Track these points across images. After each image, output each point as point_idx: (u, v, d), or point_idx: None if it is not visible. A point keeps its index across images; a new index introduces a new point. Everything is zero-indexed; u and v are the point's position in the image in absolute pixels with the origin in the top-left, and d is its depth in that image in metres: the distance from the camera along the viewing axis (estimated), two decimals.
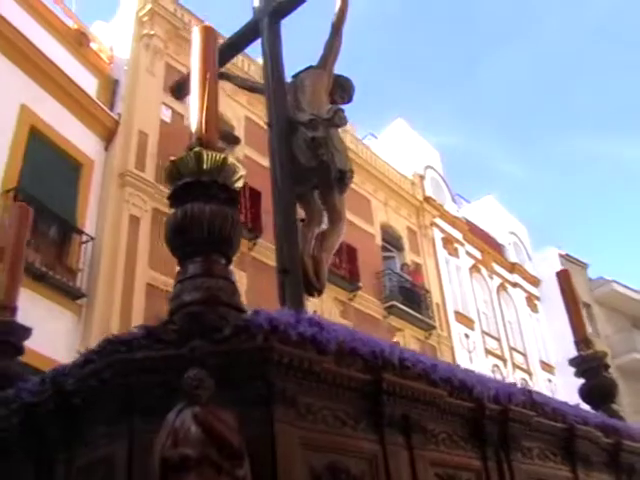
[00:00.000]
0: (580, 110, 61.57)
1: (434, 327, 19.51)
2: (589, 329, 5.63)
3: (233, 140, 15.62)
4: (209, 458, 2.12)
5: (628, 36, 56.92)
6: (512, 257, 26.65)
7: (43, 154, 12.23)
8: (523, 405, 3.74)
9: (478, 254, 24.48)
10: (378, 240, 19.83)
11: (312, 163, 4.44)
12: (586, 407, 4.89)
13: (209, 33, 3.37)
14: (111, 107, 14.10)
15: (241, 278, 12.81)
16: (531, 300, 26.36)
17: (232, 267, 3.00)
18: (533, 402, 3.86)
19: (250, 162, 14.31)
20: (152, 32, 15.03)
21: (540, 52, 58.83)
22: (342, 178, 4.54)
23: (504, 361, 22.71)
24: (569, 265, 24.96)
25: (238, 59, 15.55)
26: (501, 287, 25.03)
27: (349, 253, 16.78)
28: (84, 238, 12.36)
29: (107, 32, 15.80)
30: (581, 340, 5.41)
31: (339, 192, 4.61)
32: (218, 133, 3.18)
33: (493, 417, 3.54)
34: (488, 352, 22.07)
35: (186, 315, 2.67)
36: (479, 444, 3.50)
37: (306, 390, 2.68)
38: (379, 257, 19.58)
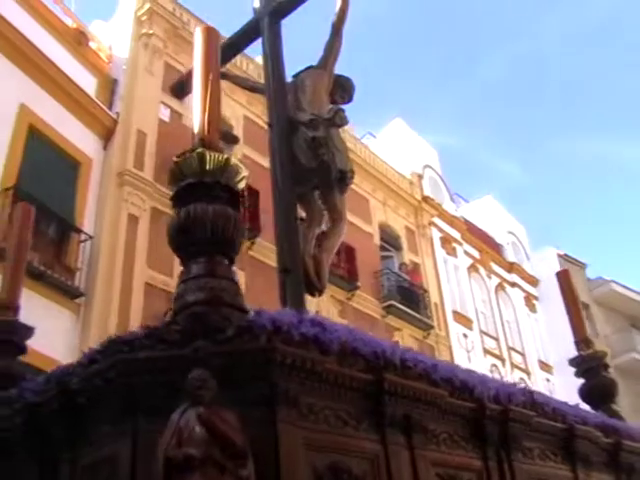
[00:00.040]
0: (579, 110, 61.67)
1: (432, 327, 19.54)
2: (588, 329, 5.63)
3: (232, 139, 15.54)
4: (213, 458, 2.14)
5: (628, 36, 57.03)
6: (510, 257, 26.68)
7: (42, 153, 12.23)
8: (523, 405, 3.74)
9: (476, 254, 24.51)
10: (376, 239, 19.85)
11: (313, 163, 4.46)
12: (586, 407, 4.90)
13: (211, 34, 3.37)
14: (110, 106, 14.10)
15: (239, 277, 12.77)
16: (529, 300, 26.39)
17: None
18: (533, 402, 3.87)
19: (248, 161, 14.32)
20: (151, 31, 15.03)
21: (539, 52, 58.90)
22: (343, 178, 4.55)
23: (502, 361, 22.74)
24: (568, 265, 24.97)
25: (236, 58, 15.54)
26: (499, 287, 25.06)
27: (347, 252, 16.80)
28: (82, 237, 12.37)
29: (106, 31, 15.79)
30: (581, 340, 5.42)
31: (340, 192, 4.62)
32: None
33: (494, 417, 3.54)
34: (486, 352, 22.10)
35: (189, 315, 2.68)
36: (480, 444, 3.50)
37: (308, 390, 2.69)
38: (377, 256, 19.60)
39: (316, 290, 4.36)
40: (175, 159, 3.00)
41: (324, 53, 4.91)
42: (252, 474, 2.23)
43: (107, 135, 13.69)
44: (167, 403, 2.36)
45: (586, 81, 59.94)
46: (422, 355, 3.46)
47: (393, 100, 56.69)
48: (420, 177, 23.17)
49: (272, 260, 13.06)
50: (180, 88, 5.55)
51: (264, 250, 13.15)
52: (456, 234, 23.64)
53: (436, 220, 22.79)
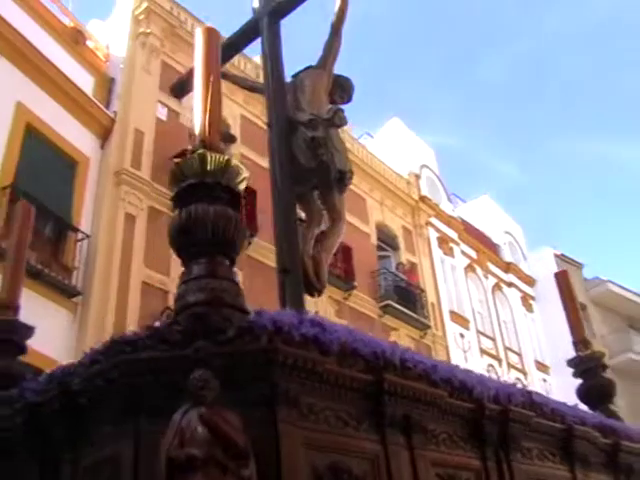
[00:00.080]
0: (576, 110, 61.78)
1: (429, 326, 19.56)
2: (585, 330, 5.67)
3: (229, 139, 15.55)
4: (215, 458, 2.14)
5: (627, 37, 57.13)
6: (507, 257, 26.73)
7: (39, 152, 12.22)
8: (522, 405, 3.75)
9: (473, 254, 24.54)
10: (373, 239, 19.87)
11: (312, 163, 4.46)
12: (584, 407, 4.91)
13: (212, 35, 3.37)
14: (107, 105, 14.10)
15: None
16: (526, 300, 26.43)
17: None
18: (532, 402, 3.87)
19: (246, 161, 14.31)
20: (148, 30, 15.02)
21: (537, 52, 59.00)
22: (342, 178, 4.56)
23: (499, 361, 22.78)
24: (564, 265, 25.03)
25: (234, 57, 15.55)
26: (496, 287, 25.10)
27: (344, 252, 16.81)
28: (80, 236, 12.37)
29: (103, 30, 15.78)
30: (579, 341, 5.44)
31: (339, 192, 4.62)
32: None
33: (493, 417, 3.55)
34: (483, 352, 22.14)
35: (191, 316, 2.69)
36: (479, 444, 3.51)
37: (309, 391, 2.69)
38: (374, 256, 19.61)
39: (315, 290, 4.36)
40: (176, 160, 3.00)
41: (323, 53, 4.91)
42: (254, 474, 2.24)
43: (104, 134, 13.69)
44: (169, 403, 2.36)
45: (584, 81, 60.11)
46: (422, 355, 3.47)
47: (391, 100, 56.77)
48: (417, 177, 23.19)
49: (269, 260, 13.14)
50: (179, 88, 5.55)
51: (261, 250, 13.15)
52: (453, 234, 23.67)
53: (433, 220, 22.81)
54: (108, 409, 2.64)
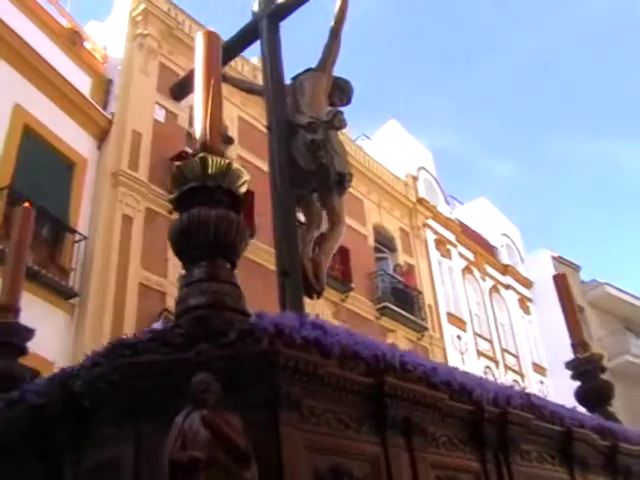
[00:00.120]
0: (573, 111, 61.90)
1: (426, 328, 19.56)
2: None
3: (227, 140, 15.62)
4: (217, 460, 2.15)
5: (624, 37, 57.29)
6: (505, 259, 26.75)
7: (36, 153, 12.21)
8: (521, 408, 3.77)
9: (471, 256, 24.56)
10: (371, 241, 19.87)
11: (311, 166, 4.46)
12: (582, 410, 4.93)
13: (212, 39, 3.38)
14: (104, 106, 14.08)
15: None
16: (523, 302, 26.46)
17: None
18: (531, 405, 3.89)
19: (243, 162, 14.30)
20: (146, 32, 15.01)
21: (534, 53, 59.13)
22: (341, 181, 4.56)
23: (496, 363, 22.80)
24: (562, 267, 25.08)
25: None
26: (493, 289, 25.12)
27: (342, 254, 16.80)
28: (77, 237, 12.35)
29: (101, 32, 15.77)
30: (578, 343, 5.46)
31: (338, 195, 4.63)
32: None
33: (492, 420, 3.57)
34: (480, 354, 22.15)
35: (192, 319, 2.70)
36: (478, 447, 3.53)
37: (310, 393, 2.70)
38: (372, 258, 19.61)
39: (315, 292, 4.37)
40: (177, 164, 3.01)
41: (323, 55, 4.91)
42: (256, 476, 2.25)
43: (102, 135, 13.68)
44: (170, 406, 2.37)
45: (583, 81, 60.21)
46: (422, 358, 3.48)
47: (388, 102, 56.80)
48: (415, 179, 23.21)
49: (267, 261, 13.13)
50: (179, 90, 5.56)
51: (259, 251, 13.14)
52: (450, 236, 23.69)
53: (430, 222, 22.82)
54: (110, 411, 2.65)
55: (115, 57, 14.88)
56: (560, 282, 5.80)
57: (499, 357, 23.20)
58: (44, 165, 12.32)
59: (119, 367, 2.52)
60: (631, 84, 58.70)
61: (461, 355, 20.69)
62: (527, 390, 4.28)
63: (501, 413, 3.59)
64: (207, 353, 2.50)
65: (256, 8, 5.04)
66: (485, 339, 22.94)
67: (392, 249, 20.95)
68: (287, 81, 4.93)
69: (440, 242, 22.92)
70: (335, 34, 4.92)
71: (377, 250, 20.29)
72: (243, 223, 3.02)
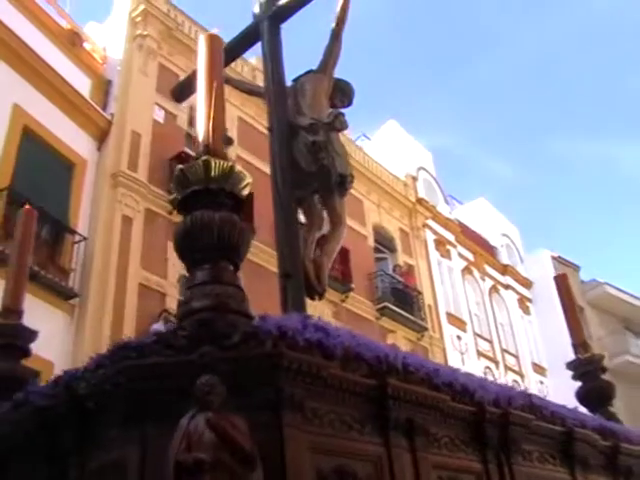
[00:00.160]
0: (573, 112, 61.92)
1: (426, 329, 19.56)
2: None
3: (226, 141, 15.58)
4: (223, 462, 2.17)
5: (624, 37, 57.32)
6: (504, 259, 26.75)
7: (36, 154, 12.21)
8: (523, 409, 3.79)
9: (470, 256, 24.56)
10: (370, 241, 19.87)
11: (313, 167, 4.48)
12: (583, 410, 4.94)
13: (215, 42, 3.39)
14: (104, 107, 14.09)
15: None
16: (523, 302, 26.46)
17: None
18: (533, 405, 3.91)
19: (243, 163, 14.31)
20: (145, 32, 15.01)
21: (534, 53, 59.16)
22: (342, 182, 4.58)
23: (496, 363, 22.80)
24: (561, 267, 25.10)
25: None
26: (493, 289, 25.13)
27: (341, 254, 16.80)
28: (77, 238, 12.35)
29: (100, 32, 15.77)
30: (579, 344, 5.48)
31: (339, 196, 4.64)
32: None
33: (494, 421, 3.59)
34: (480, 354, 22.16)
35: (196, 322, 2.71)
36: (480, 447, 3.55)
37: (313, 395, 2.72)
38: (371, 258, 19.61)
39: (317, 294, 4.39)
40: (180, 167, 3.02)
41: (324, 57, 4.93)
42: (261, 478, 2.26)
43: (101, 136, 13.68)
44: (174, 408, 2.38)
45: (583, 82, 60.22)
46: (424, 359, 3.49)
47: (387, 102, 56.80)
48: (414, 179, 23.21)
49: (265, 261, 13.09)
50: (180, 91, 5.56)
51: (257, 251, 13.15)
52: (450, 236, 23.69)
53: (430, 222, 22.83)
54: (114, 413, 2.66)
55: (114, 58, 14.88)
56: (561, 283, 5.82)
57: (499, 357, 23.20)
58: (44, 166, 12.32)
59: (123, 369, 2.54)
60: (631, 85, 58.75)
61: (461, 355, 20.69)
62: (528, 390, 4.29)
63: (503, 414, 3.60)
64: (211, 355, 2.51)
65: (257, 10, 5.05)
66: (485, 339, 22.95)
67: (392, 249, 20.95)
68: (288, 83, 4.94)
69: (440, 242, 22.92)
70: (336, 36, 4.93)
71: (377, 250, 20.29)
72: (246, 226, 3.03)
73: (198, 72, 3.35)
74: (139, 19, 15.09)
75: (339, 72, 5.11)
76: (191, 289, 2.88)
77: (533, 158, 63.85)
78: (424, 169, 24.40)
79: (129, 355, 2.57)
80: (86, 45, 14.82)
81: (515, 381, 20.93)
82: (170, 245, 12.82)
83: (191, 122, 14.78)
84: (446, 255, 23.01)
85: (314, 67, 4.98)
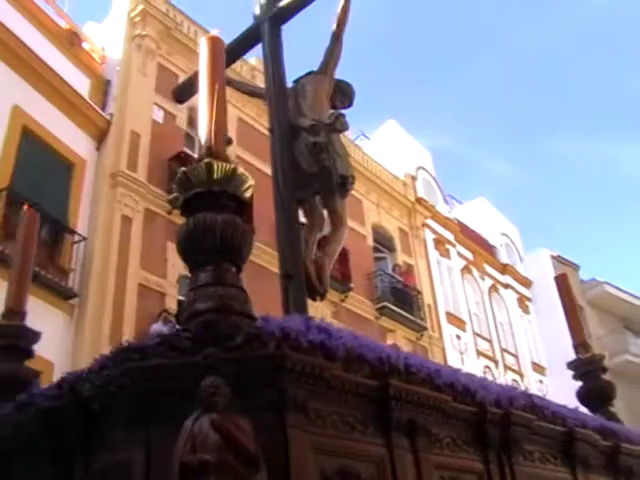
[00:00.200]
0: (573, 112, 61.94)
1: (425, 328, 19.58)
2: None
3: (226, 141, 15.62)
4: (227, 463, 2.18)
5: (624, 37, 57.34)
6: (504, 258, 26.76)
7: (35, 154, 12.21)
8: (524, 409, 3.80)
9: (470, 255, 24.58)
10: (370, 241, 19.87)
11: (314, 168, 4.49)
12: (584, 410, 4.96)
13: (217, 43, 3.40)
14: (103, 107, 14.09)
15: None
16: (522, 301, 26.47)
17: None
18: (534, 406, 3.92)
19: (242, 162, 14.29)
20: (144, 32, 15.01)
21: (534, 52, 59.16)
22: (343, 183, 4.59)
23: (495, 362, 22.81)
24: (561, 266, 25.11)
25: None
26: (492, 288, 25.14)
27: (341, 254, 16.68)
28: (76, 238, 12.36)
29: (99, 32, 15.77)
30: (580, 344, 5.50)
31: (340, 197, 4.66)
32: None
33: (495, 421, 3.60)
34: (479, 353, 22.17)
35: (199, 323, 2.72)
36: (481, 447, 3.57)
37: (316, 396, 2.73)
38: (371, 258, 19.62)
39: (318, 294, 4.40)
40: (183, 169, 3.04)
41: (324, 58, 4.94)
42: (265, 479, 2.27)
43: (100, 136, 13.68)
44: (179, 410, 2.39)
45: (582, 81, 60.23)
46: (425, 360, 3.50)
47: (386, 101, 56.77)
48: (413, 179, 23.22)
49: (264, 261, 13.08)
50: (181, 92, 5.57)
51: (258, 252, 13.16)
52: (449, 236, 23.70)
53: (429, 222, 22.84)
54: (119, 415, 2.68)
55: (113, 58, 14.88)
56: (562, 283, 5.83)
57: (498, 357, 23.21)
58: (43, 166, 12.32)
59: (127, 371, 2.55)
60: (631, 85, 58.77)
61: (460, 355, 20.71)
62: (529, 391, 4.31)
63: (504, 414, 3.62)
64: (214, 357, 2.52)
65: (258, 11, 5.06)
66: (484, 339, 22.96)
67: (391, 249, 20.96)
68: (289, 84, 4.94)
69: (439, 242, 22.93)
70: (337, 37, 4.94)
71: (376, 250, 20.29)
72: (248, 227, 3.04)
73: (200, 74, 3.36)
74: (138, 19, 15.09)
75: (339, 72, 5.13)
76: (194, 291, 2.90)
77: (533, 158, 63.89)
78: (423, 169, 24.41)
79: (133, 357, 2.59)
80: (85, 45, 14.82)
81: (514, 380, 20.96)
82: (169, 245, 12.84)
83: (190, 122, 14.80)
84: (445, 254, 23.02)
85: (315, 68, 4.99)
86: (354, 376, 2.91)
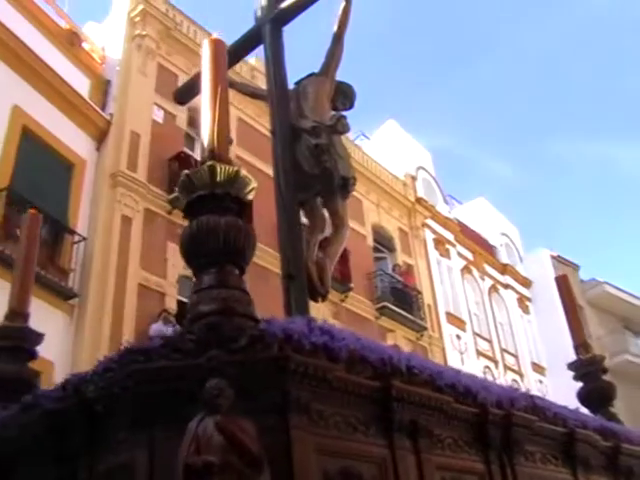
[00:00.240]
0: (573, 112, 61.94)
1: (425, 328, 19.58)
2: None
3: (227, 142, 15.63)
4: (231, 465, 2.19)
5: (624, 36, 57.34)
6: (503, 258, 26.76)
7: (35, 154, 12.22)
8: (525, 410, 3.81)
9: (470, 255, 24.58)
10: (370, 241, 19.88)
11: (315, 170, 4.50)
12: (584, 410, 4.97)
13: (219, 46, 3.41)
14: (103, 107, 14.10)
15: None
16: (522, 301, 26.47)
17: None
18: (535, 407, 3.93)
19: (242, 163, 14.31)
20: (144, 32, 15.01)
21: (534, 52, 59.16)
22: (345, 185, 4.61)
23: (495, 362, 22.82)
24: (561, 267, 25.13)
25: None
26: (492, 288, 25.13)
27: (341, 254, 16.76)
28: (76, 238, 12.37)
29: (99, 33, 15.77)
30: (580, 344, 5.51)
31: (342, 199, 4.67)
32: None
33: (496, 422, 3.61)
34: (479, 353, 22.18)
35: (203, 325, 2.74)
36: (483, 448, 3.58)
37: (319, 397, 2.74)
38: (371, 258, 19.63)
39: (320, 296, 4.42)
40: (186, 172, 3.05)
41: (325, 60, 4.95)
42: None
43: (100, 136, 13.69)
44: (183, 411, 2.41)
45: (582, 82, 60.23)
46: (427, 361, 3.52)
47: (386, 101, 56.77)
48: (413, 179, 23.23)
49: (264, 261, 13.05)
50: (182, 94, 5.57)
51: (259, 253, 13.17)
52: (449, 236, 23.70)
53: (429, 222, 22.84)
54: (123, 416, 2.69)
55: (113, 58, 14.89)
56: (562, 283, 5.84)
57: (498, 357, 23.22)
58: (43, 166, 12.33)
59: (131, 373, 2.56)
60: (631, 85, 58.77)
61: (460, 355, 20.72)
62: (530, 392, 4.32)
63: (505, 415, 3.63)
64: (218, 359, 2.53)
65: (259, 13, 5.06)
66: (484, 339, 22.96)
67: (391, 249, 20.97)
68: (290, 86, 4.95)
69: (439, 242, 22.94)
70: (338, 39, 4.95)
71: (376, 250, 20.30)
72: (251, 230, 3.05)
73: (202, 77, 3.37)
74: (138, 19, 15.09)
75: (340, 73, 5.14)
76: (198, 293, 2.91)
77: (533, 158, 63.92)
78: (423, 169, 24.41)
79: (137, 359, 2.60)
80: (85, 45, 14.83)
81: (514, 380, 21.00)
82: (169, 245, 12.86)
83: (190, 122, 14.81)
84: (445, 254, 23.03)
85: (316, 70, 5.00)
86: (356, 377, 2.93)
